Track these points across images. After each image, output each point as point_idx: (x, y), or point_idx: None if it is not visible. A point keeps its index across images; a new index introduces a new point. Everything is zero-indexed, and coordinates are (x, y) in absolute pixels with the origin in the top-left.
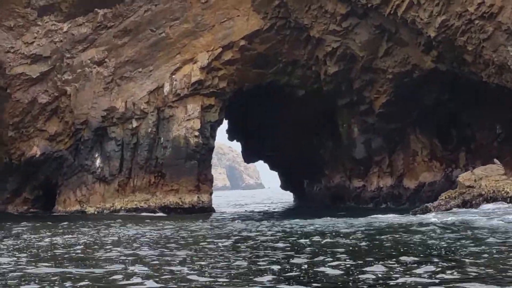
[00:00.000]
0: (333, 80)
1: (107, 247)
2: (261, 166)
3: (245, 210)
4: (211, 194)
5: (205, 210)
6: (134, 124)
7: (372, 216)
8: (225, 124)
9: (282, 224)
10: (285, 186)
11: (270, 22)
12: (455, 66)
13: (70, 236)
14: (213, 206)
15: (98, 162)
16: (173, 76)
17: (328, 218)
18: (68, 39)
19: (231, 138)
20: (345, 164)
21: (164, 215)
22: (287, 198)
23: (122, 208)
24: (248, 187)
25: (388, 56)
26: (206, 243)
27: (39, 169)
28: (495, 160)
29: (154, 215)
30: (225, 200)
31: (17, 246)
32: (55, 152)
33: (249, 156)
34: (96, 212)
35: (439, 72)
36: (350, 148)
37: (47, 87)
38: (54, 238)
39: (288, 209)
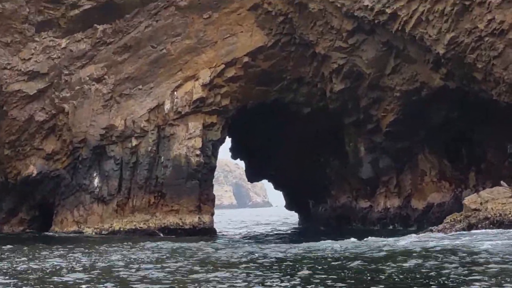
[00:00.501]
0: (339, 98)
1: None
2: (268, 183)
3: (247, 232)
4: (212, 214)
5: (206, 231)
6: (134, 142)
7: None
8: (228, 142)
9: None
10: (290, 206)
11: (275, 39)
12: (465, 84)
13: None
14: (214, 227)
15: (96, 181)
16: (174, 94)
17: (329, 241)
18: (66, 55)
19: (234, 156)
20: (351, 184)
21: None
22: (293, 218)
23: (121, 229)
24: (255, 205)
25: (395, 74)
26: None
27: (35, 189)
28: (502, 182)
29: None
30: (227, 219)
31: None
32: (52, 171)
33: (253, 175)
34: (94, 233)
35: (448, 89)
36: (357, 168)
37: (44, 105)
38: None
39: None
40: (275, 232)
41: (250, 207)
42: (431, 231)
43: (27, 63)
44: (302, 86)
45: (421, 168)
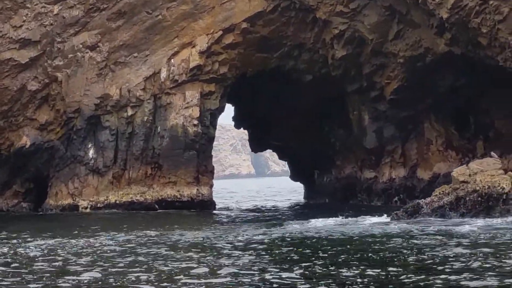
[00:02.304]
0: (341, 65)
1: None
2: None
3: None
4: (211, 186)
5: (205, 204)
6: (129, 112)
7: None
8: (232, 111)
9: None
10: (294, 177)
11: (274, 3)
12: (470, 50)
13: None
14: (213, 199)
15: (91, 152)
16: (171, 61)
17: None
18: (59, 22)
19: (237, 125)
20: (356, 154)
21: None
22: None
23: (117, 202)
24: (273, 175)
25: (399, 39)
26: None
27: (29, 161)
28: (492, 153)
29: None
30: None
31: None
32: (46, 142)
33: (256, 144)
34: (89, 206)
35: (453, 56)
36: (361, 137)
37: (37, 73)
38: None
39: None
40: (274, 207)
41: (269, 176)
42: (418, 204)
43: (19, 30)
44: (303, 53)
45: (427, 137)
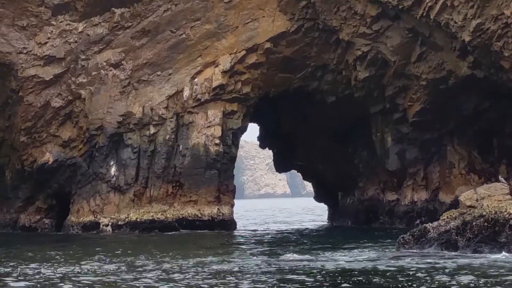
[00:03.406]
0: (364, 86)
1: None
2: None
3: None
4: (232, 206)
5: (226, 224)
6: (152, 130)
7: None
8: (257, 131)
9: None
10: (318, 197)
11: (297, 24)
12: (493, 73)
13: None
14: (235, 219)
15: (113, 170)
16: (194, 80)
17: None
18: (83, 39)
19: (262, 145)
20: (379, 176)
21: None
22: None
23: (138, 220)
24: (309, 195)
25: (421, 61)
26: None
27: (52, 177)
28: (500, 178)
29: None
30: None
31: None
32: (69, 159)
33: (281, 164)
34: (110, 224)
35: (476, 79)
36: (384, 159)
37: (60, 90)
38: None
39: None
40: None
41: (305, 196)
42: (425, 228)
43: (43, 47)
44: (326, 74)
45: (449, 160)
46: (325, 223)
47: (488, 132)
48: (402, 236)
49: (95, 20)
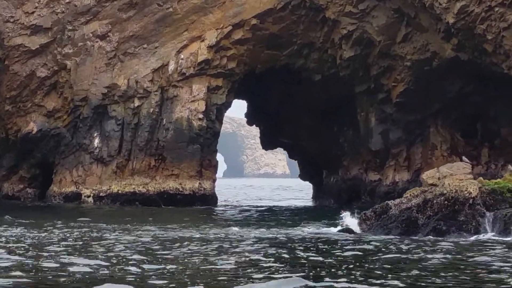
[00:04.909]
0: (349, 65)
1: None
2: None
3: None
4: (214, 181)
5: (207, 198)
6: (136, 103)
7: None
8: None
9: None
10: (304, 176)
11: (284, 1)
12: (477, 56)
13: None
14: (216, 194)
15: (96, 141)
16: (179, 54)
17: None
18: (71, 10)
19: (250, 122)
20: (362, 156)
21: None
22: None
23: (119, 192)
24: None
25: (406, 42)
26: None
27: (36, 146)
28: (464, 157)
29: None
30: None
31: None
32: (53, 129)
33: (267, 142)
34: (92, 195)
35: (460, 61)
36: (367, 139)
37: (46, 60)
38: None
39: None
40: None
41: None
42: (387, 205)
43: (30, 16)
44: (312, 52)
45: (432, 141)
46: (309, 202)
47: (472, 116)
48: (364, 212)
49: None
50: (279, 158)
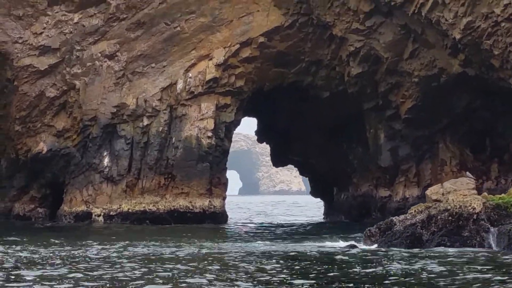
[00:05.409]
0: (357, 82)
1: None
2: None
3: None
4: (224, 199)
5: (217, 216)
6: (145, 122)
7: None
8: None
9: None
10: (314, 193)
11: (292, 19)
12: (484, 71)
13: None
14: (226, 212)
15: (106, 161)
16: (188, 73)
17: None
18: (79, 30)
19: (260, 139)
20: (372, 172)
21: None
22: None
23: (130, 210)
24: None
25: (413, 58)
26: None
27: (46, 166)
28: (467, 173)
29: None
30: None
31: None
32: (63, 149)
33: (277, 159)
34: (102, 214)
35: (468, 77)
36: (376, 155)
37: (55, 81)
38: None
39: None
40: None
41: None
42: (392, 221)
43: (39, 37)
44: (320, 69)
45: (441, 157)
46: (321, 218)
47: (480, 131)
48: (368, 228)
49: (91, 11)
50: (294, 175)
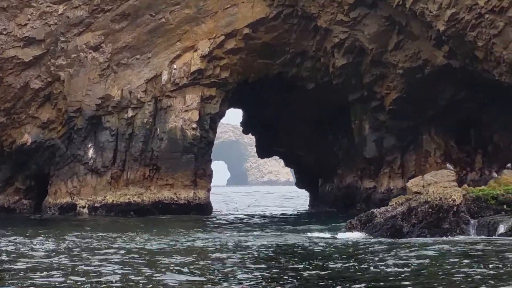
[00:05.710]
0: (342, 74)
1: None
2: None
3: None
4: (209, 190)
5: (201, 208)
6: (130, 113)
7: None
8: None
9: None
10: (300, 184)
11: (277, 10)
12: (468, 63)
13: None
14: (211, 203)
15: (91, 152)
16: (172, 65)
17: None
18: (63, 22)
19: (246, 131)
20: (357, 163)
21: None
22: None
23: (114, 202)
24: None
25: (398, 50)
26: None
27: (31, 158)
28: (448, 165)
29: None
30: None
31: None
32: (47, 140)
33: (263, 151)
34: (87, 206)
35: (452, 68)
36: (361, 147)
37: (40, 72)
38: None
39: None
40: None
41: None
42: (373, 213)
43: (23, 28)
44: (305, 61)
45: (425, 148)
46: (305, 209)
47: (465, 122)
48: (349, 220)
49: (75, 2)
50: (282, 166)
